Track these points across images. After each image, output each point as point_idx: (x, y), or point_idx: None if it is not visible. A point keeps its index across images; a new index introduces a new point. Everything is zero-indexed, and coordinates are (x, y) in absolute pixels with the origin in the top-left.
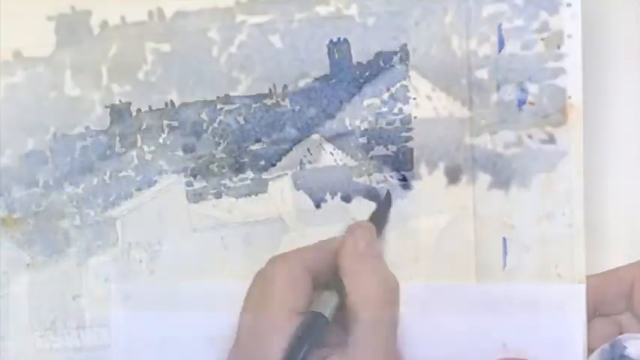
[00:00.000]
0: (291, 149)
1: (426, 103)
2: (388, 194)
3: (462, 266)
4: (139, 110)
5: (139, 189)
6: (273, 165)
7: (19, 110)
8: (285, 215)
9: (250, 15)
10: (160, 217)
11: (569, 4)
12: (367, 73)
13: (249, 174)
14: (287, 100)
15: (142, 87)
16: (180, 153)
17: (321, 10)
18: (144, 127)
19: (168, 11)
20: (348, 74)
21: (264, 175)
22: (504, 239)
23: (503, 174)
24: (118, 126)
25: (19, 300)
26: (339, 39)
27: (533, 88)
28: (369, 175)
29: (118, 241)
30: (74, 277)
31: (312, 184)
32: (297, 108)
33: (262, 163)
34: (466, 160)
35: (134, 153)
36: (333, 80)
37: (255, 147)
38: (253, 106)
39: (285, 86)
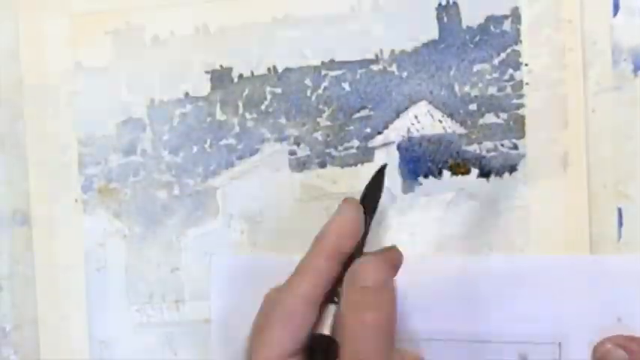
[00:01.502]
0: (398, 116)
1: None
2: (380, 171)
3: (576, 239)
4: (240, 76)
5: (240, 157)
6: (380, 133)
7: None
8: (391, 185)
9: None
10: (262, 187)
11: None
12: (477, 38)
13: (355, 142)
14: (394, 66)
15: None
16: (283, 120)
17: None
18: (246, 93)
19: None
20: (458, 39)
21: (370, 144)
22: (619, 209)
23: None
24: (219, 93)
25: (116, 273)
26: (448, 2)
27: None
28: (480, 143)
29: (218, 211)
30: (173, 249)
31: (419, 152)
32: (404, 74)
33: (368, 130)
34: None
35: (235, 120)
36: (442, 45)
37: (360, 114)
38: (359, 71)
39: (393, 51)
